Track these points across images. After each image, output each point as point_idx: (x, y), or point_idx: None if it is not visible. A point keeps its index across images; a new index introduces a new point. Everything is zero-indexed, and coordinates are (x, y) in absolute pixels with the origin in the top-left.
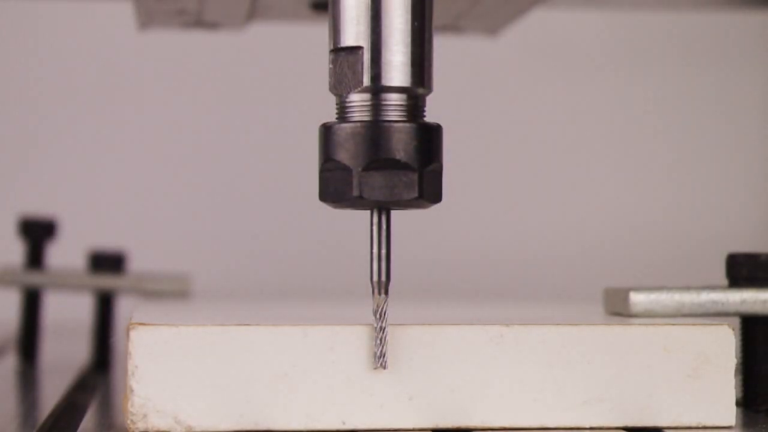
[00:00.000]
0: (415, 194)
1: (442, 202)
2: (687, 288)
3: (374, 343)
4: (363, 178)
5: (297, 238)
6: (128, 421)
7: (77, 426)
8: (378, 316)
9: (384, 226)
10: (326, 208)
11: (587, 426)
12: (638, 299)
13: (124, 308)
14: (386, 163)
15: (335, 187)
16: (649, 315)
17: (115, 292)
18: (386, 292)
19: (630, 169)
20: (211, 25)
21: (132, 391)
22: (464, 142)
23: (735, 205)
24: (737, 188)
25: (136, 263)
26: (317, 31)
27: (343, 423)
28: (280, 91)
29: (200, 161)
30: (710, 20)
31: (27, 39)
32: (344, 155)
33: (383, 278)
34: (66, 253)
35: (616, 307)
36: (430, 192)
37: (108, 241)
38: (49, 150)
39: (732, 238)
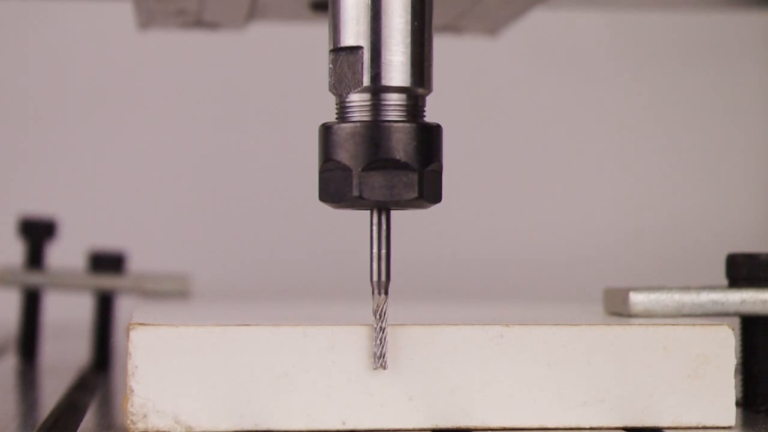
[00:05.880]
0: (415, 194)
1: (442, 202)
2: (687, 288)
3: (374, 343)
4: (363, 178)
5: (297, 239)
6: (128, 421)
7: (77, 426)
8: (378, 316)
9: (384, 226)
10: (326, 209)
11: (587, 426)
12: (638, 299)
13: (124, 308)
14: (386, 163)
15: (335, 187)
16: (649, 315)
17: (115, 292)
18: (386, 292)
19: (630, 169)
20: (211, 25)
21: (132, 391)
22: (464, 142)
23: (735, 205)
24: (737, 188)
25: (136, 263)
26: (317, 31)
27: (343, 423)
28: (280, 91)
29: (200, 161)
30: (710, 20)
31: (27, 39)
32: (344, 155)
33: (383, 278)
34: (66, 253)
35: (616, 307)
36: (430, 192)
37: (108, 241)
38: (49, 150)
39: (732, 238)
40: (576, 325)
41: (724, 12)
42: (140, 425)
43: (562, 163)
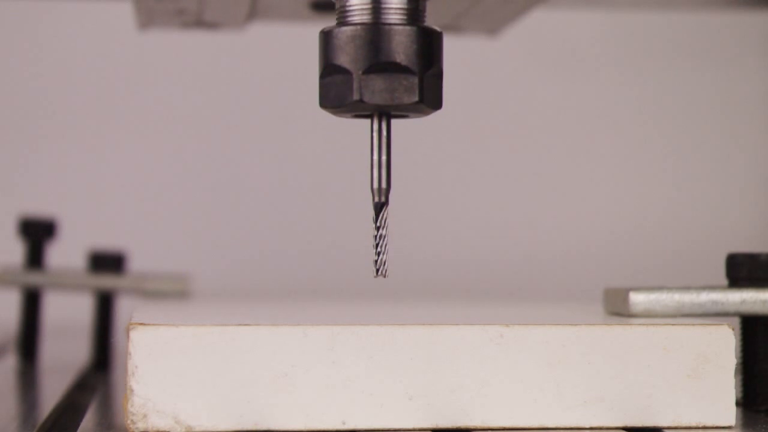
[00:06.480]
0: (416, 98)
1: (442, 202)
2: (687, 288)
3: (375, 251)
4: (363, 81)
5: (297, 238)
6: (128, 421)
7: (77, 426)
8: (378, 223)
9: (384, 133)
10: (326, 209)
11: (587, 426)
12: (638, 299)
13: (124, 308)
14: (387, 66)
15: (336, 92)
16: (649, 315)
17: (115, 292)
18: (386, 199)
19: (630, 169)
20: (211, 25)
21: (132, 391)
22: (464, 141)
23: (735, 205)
24: (737, 188)
25: (136, 263)
26: (317, 31)
27: (343, 423)
28: (280, 91)
29: (200, 161)
30: (710, 20)
31: (27, 39)
32: (344, 58)
33: (383, 185)
34: (66, 253)
35: (616, 307)
36: (430, 97)
37: (108, 241)
38: (49, 150)
39: (732, 238)
40: (576, 325)
41: (724, 12)
42: (140, 425)
43: (562, 162)
